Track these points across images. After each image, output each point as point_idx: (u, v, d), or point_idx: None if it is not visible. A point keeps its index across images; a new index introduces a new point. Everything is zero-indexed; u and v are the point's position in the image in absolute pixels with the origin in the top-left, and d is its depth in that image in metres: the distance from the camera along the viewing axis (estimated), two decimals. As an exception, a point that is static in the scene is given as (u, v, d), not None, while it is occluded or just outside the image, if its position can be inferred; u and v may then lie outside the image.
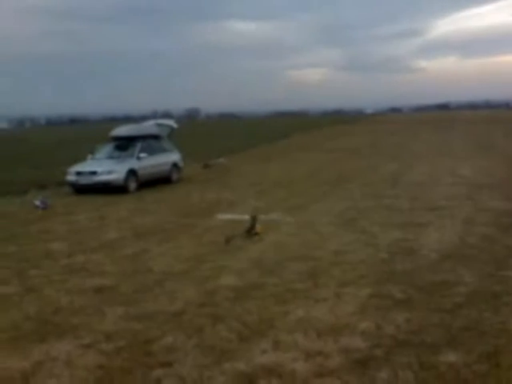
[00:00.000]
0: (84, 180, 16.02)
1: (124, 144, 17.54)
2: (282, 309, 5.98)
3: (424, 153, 24.81)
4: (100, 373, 4.67)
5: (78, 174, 16.18)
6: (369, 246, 8.64)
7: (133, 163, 16.49)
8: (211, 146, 31.14)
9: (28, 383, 4.54)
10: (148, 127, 18.80)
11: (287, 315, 5.79)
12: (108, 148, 17.94)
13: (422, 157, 23.01)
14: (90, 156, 17.58)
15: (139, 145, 17.16)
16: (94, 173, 15.99)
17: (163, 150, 18.22)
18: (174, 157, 18.47)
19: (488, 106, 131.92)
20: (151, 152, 17.38)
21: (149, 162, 16.96)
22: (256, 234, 8.85)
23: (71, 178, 16.28)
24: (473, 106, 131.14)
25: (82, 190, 16.02)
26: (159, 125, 19.07)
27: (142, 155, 16.83)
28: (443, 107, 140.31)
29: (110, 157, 17.24)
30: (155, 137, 18.25)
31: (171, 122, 19.94)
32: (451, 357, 4.68)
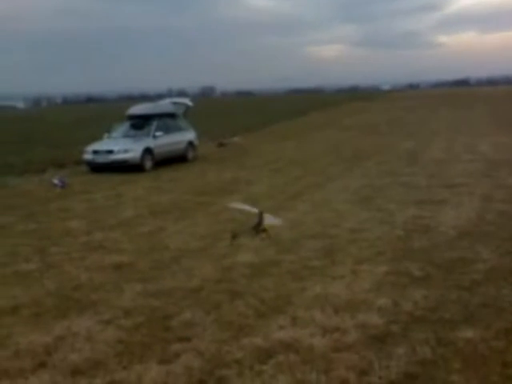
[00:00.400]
0: (101, 159, 16.12)
1: (140, 123, 17.58)
2: (299, 285, 6.01)
3: (442, 129, 24.52)
4: (120, 347, 4.75)
5: (95, 152, 16.28)
6: (385, 223, 8.60)
7: (149, 142, 16.53)
8: (226, 125, 31.07)
9: (51, 357, 4.64)
10: (164, 106, 18.79)
11: (304, 292, 5.82)
12: (124, 127, 18.00)
13: (440, 133, 22.75)
14: (106, 135, 17.67)
15: (155, 123, 17.18)
16: (110, 151, 16.07)
17: (179, 129, 18.23)
18: (190, 135, 18.47)
19: (508, 81, 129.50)
20: (167, 130, 17.40)
21: (165, 141, 16.99)
22: (264, 230, 8.41)
23: (88, 156, 16.40)
24: (493, 82, 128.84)
25: (98, 168, 16.13)
26: (175, 103, 19.05)
27: (157, 134, 16.87)
28: (462, 83, 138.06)
29: (127, 135, 17.32)
30: (171, 115, 18.25)
31: (186, 101, 19.91)
32: (469, 333, 4.68)
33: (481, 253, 6.86)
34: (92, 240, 8.46)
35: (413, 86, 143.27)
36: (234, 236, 7.97)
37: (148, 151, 16.35)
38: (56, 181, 13.68)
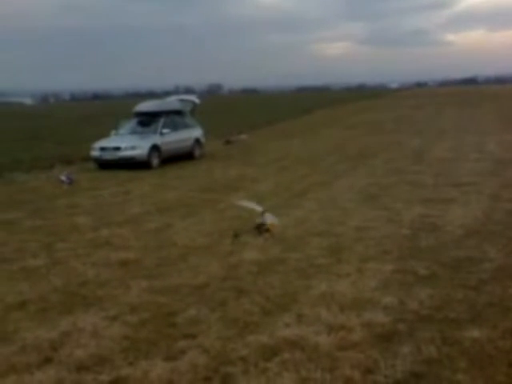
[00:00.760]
0: (108, 155, 16.17)
1: (147, 120, 17.62)
2: (305, 283, 6.01)
3: (449, 128, 24.41)
4: (126, 343, 4.77)
5: (102, 149, 16.33)
6: (392, 222, 8.58)
7: (156, 139, 16.56)
8: (233, 122, 31.06)
9: (56, 352, 4.66)
10: (171, 103, 18.82)
11: (310, 289, 5.82)
12: (131, 124, 18.04)
13: (447, 132, 22.65)
14: (113, 132, 17.72)
15: (162, 120, 17.20)
16: (117, 148, 16.12)
17: (186, 126, 18.25)
18: (197, 132, 18.48)
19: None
20: (174, 128, 17.43)
21: (171, 138, 17.01)
22: (267, 230, 8.24)
23: (95, 153, 16.45)
24: (501, 80, 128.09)
25: (105, 165, 16.18)
26: (182, 100, 19.08)
27: (164, 131, 16.89)
28: (471, 81, 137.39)
29: (134, 132, 17.36)
30: (178, 112, 18.27)
31: (194, 98, 19.92)
32: (475, 332, 4.66)
33: (488, 252, 6.83)
34: (99, 236, 8.48)
35: (420, 85, 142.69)
36: (236, 235, 7.93)
37: (155, 148, 16.38)
38: (63, 177, 13.73)
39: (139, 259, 7.20)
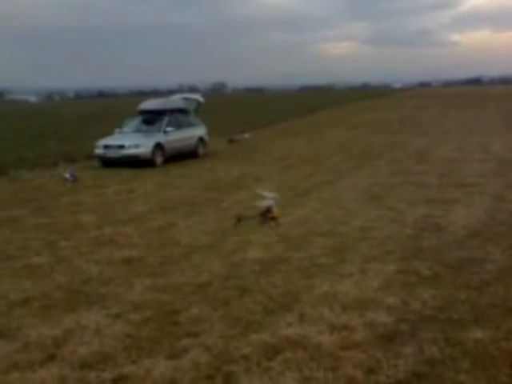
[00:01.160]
0: (112, 153, 16.19)
1: (151, 118, 17.64)
2: (308, 283, 6.01)
3: (453, 128, 24.35)
4: (128, 341, 4.78)
5: (106, 147, 16.35)
6: (395, 222, 8.58)
7: (160, 137, 16.58)
8: (237, 121, 31.06)
9: (60, 349, 4.68)
10: (175, 101, 18.83)
11: (312, 289, 5.82)
12: (135, 122, 18.06)
13: (451, 132, 22.60)
14: (117, 130, 17.74)
15: (166, 119, 17.22)
16: (121, 146, 16.14)
17: (190, 125, 18.26)
18: (201, 131, 18.50)
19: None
20: (178, 126, 17.44)
21: (175, 136, 17.02)
22: (273, 218, 7.99)
23: (99, 151, 16.47)
24: (506, 81, 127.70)
25: (109, 163, 16.20)
26: (186, 99, 19.09)
27: (168, 129, 16.90)
28: (475, 82, 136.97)
29: (138, 130, 17.37)
30: (182, 111, 18.28)
31: (198, 96, 19.93)
32: (478, 333, 4.66)
33: (491, 253, 6.82)
34: (102, 234, 8.50)
35: (424, 85, 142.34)
36: (239, 219, 7.74)
37: (159, 146, 16.39)
38: (67, 175, 13.76)
39: (142, 257, 7.21)
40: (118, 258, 7.21)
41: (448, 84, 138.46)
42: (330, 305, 5.36)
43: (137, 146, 16.06)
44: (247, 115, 37.13)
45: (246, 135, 23.30)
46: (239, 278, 6.26)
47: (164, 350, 4.60)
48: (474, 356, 4.32)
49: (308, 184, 12.35)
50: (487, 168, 13.41)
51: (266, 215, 7.97)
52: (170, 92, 44.39)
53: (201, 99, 19.48)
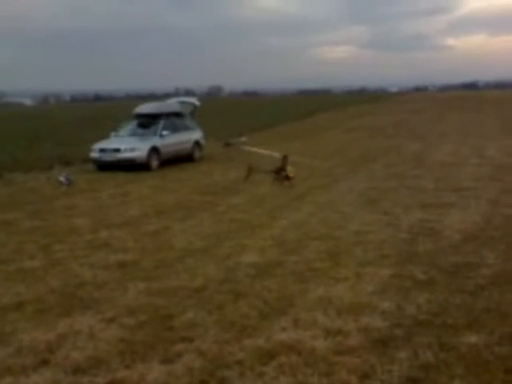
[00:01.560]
0: (107, 157, 16.16)
1: (147, 121, 17.61)
2: (302, 287, 6.00)
3: (449, 132, 24.42)
4: (122, 346, 4.76)
5: (102, 150, 16.32)
6: (391, 226, 8.58)
7: (155, 141, 16.56)
8: (233, 125, 31.04)
9: (53, 354, 4.65)
10: (171, 105, 18.83)
11: (307, 293, 5.81)
12: (131, 125, 18.05)
13: (447, 136, 22.66)
14: (113, 133, 17.72)
15: (162, 122, 17.21)
16: (117, 150, 16.11)
17: (186, 128, 18.25)
18: (196, 135, 18.49)
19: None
20: (174, 130, 17.43)
21: (171, 140, 17.01)
22: (287, 177, 7.43)
23: (95, 154, 16.44)
24: (501, 85, 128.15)
25: (105, 166, 16.17)
26: (182, 102, 19.08)
27: (164, 133, 16.89)
28: (471, 86, 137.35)
29: (133, 134, 17.36)
30: (178, 114, 18.27)
31: (194, 100, 19.93)
32: (472, 338, 4.66)
33: (486, 257, 6.83)
34: (97, 238, 8.48)
35: (420, 89, 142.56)
36: (251, 170, 7.32)
37: (154, 150, 16.37)
38: (62, 178, 13.71)
39: (137, 261, 7.19)
40: (113, 261, 7.19)
41: (444, 88, 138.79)
42: (325, 309, 5.35)
43: (132, 150, 16.04)
44: (244, 119, 37.11)
45: (243, 139, 23.26)
46: (234, 282, 6.25)
47: (158, 355, 4.58)
48: (468, 361, 4.32)
49: (303, 187, 12.34)
50: (483, 172, 13.45)
51: (280, 173, 7.54)
52: (166, 96, 44.35)
53: (197, 103, 19.48)
